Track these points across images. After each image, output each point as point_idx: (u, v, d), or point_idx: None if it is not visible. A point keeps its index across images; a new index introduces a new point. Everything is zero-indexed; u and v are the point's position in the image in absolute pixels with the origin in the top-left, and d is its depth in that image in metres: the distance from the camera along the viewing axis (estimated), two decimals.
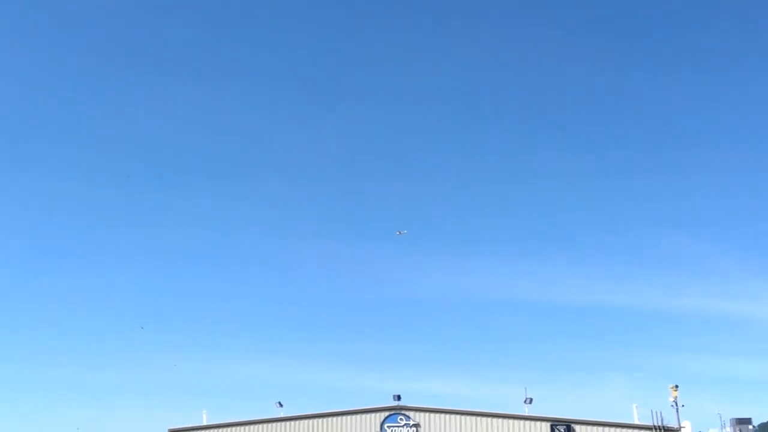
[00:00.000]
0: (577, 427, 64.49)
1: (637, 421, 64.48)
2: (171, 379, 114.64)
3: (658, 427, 62.65)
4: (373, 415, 67.95)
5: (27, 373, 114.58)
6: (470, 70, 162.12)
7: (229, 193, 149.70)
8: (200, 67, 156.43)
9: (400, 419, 67.14)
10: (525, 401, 66.24)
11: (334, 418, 68.64)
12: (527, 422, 65.33)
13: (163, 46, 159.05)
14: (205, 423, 71.12)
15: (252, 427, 69.90)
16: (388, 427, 67.03)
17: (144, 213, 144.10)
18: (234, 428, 70.17)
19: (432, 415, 67.19)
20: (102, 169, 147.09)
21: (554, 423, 64.66)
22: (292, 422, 69.33)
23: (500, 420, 65.92)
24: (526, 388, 67.17)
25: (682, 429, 62.26)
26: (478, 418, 66.28)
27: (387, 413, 67.60)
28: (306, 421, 69.12)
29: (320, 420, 68.87)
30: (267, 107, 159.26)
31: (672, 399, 62.81)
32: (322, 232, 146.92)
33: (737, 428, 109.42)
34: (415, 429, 66.72)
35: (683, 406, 62.84)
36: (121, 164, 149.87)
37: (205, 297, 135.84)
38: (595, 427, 64.52)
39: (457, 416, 66.76)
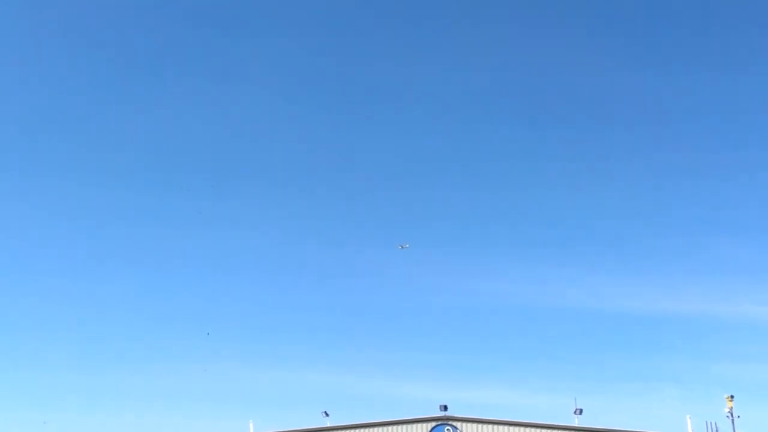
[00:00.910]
0: None
1: None
2: (217, 388, 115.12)
3: None
4: (419, 425, 67.29)
5: (68, 379, 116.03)
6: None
7: (264, 197, 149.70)
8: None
9: (447, 429, 66.38)
10: (575, 412, 65.15)
11: (381, 428, 68.14)
12: None
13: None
14: None
15: None
16: None
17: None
18: None
19: (479, 425, 66.31)
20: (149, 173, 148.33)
21: None
22: None
23: (549, 431, 64.80)
24: (575, 399, 66.17)
25: None
26: (527, 429, 65.26)
27: (434, 423, 66.90)
28: (352, 431, 68.74)
29: (366, 429, 68.42)
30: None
31: (727, 409, 61.38)
32: (363, 241, 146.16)
33: None
34: None
35: (738, 416, 61.39)
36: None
37: (251, 305, 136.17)
38: None
39: (505, 427, 65.81)
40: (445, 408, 67.03)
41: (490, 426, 66.05)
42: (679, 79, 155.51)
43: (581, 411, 64.98)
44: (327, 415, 70.15)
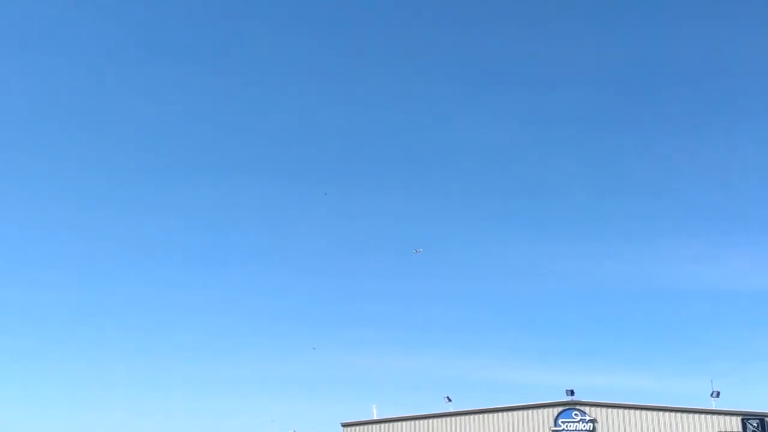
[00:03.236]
0: None
1: None
2: (342, 374, 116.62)
3: None
4: (545, 410, 65.45)
5: (211, 373, 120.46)
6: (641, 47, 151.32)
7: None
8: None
9: (575, 414, 64.22)
10: (712, 395, 62.00)
11: (506, 413, 66.74)
12: (715, 417, 60.81)
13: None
14: (375, 417, 71.26)
15: (421, 421, 69.24)
16: (562, 422, 64.33)
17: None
18: (404, 423, 69.82)
19: (609, 410, 63.84)
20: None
21: (746, 417, 59.81)
22: (462, 417, 68.04)
23: (685, 415, 61.72)
24: (712, 381, 62.91)
25: None
26: (661, 414, 62.34)
27: (561, 408, 64.91)
28: (476, 416, 67.61)
29: (491, 415, 67.16)
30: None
31: None
32: (495, 225, 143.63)
33: None
34: (591, 425, 63.59)
35: None
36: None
37: (374, 294, 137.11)
38: None
39: (637, 411, 63.10)
40: (572, 393, 65.00)
41: (620, 410, 63.47)
42: None
43: (718, 394, 61.90)
44: (450, 400, 69.50)
